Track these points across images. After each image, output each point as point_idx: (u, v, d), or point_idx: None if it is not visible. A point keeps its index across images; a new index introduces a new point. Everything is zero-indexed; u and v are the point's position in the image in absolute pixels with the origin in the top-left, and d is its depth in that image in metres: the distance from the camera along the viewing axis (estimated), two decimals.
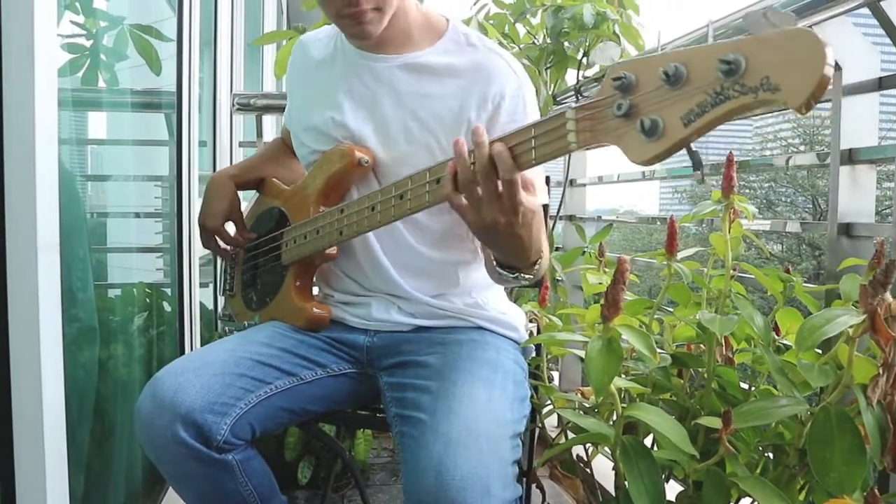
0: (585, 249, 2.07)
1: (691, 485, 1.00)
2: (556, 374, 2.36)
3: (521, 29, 2.28)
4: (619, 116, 0.67)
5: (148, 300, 1.68)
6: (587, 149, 1.43)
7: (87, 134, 1.45)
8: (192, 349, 1.79)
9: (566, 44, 2.12)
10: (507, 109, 1.05)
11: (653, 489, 0.88)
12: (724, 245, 1.09)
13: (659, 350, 1.03)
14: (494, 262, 0.96)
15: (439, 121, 1.06)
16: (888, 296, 0.84)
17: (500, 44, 1.32)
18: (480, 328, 1.12)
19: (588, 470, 1.18)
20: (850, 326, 0.87)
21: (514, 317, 1.16)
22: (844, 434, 0.84)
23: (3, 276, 0.87)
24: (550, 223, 1.67)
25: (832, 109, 1.21)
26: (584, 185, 2.40)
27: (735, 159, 1.10)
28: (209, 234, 1.27)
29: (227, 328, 2.18)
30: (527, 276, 0.95)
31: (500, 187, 0.81)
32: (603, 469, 1.16)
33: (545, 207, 1.16)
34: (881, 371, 0.86)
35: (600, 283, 1.43)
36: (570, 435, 1.21)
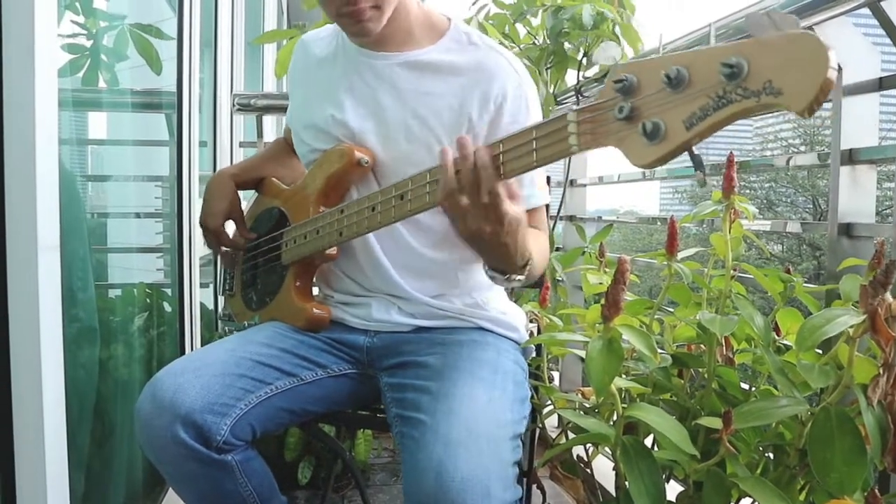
0: (586, 249, 2.07)
1: (692, 485, 1.00)
2: (556, 375, 2.36)
3: (521, 29, 2.27)
4: (620, 119, 0.67)
5: (148, 300, 1.68)
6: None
7: (87, 134, 1.45)
8: (192, 349, 1.79)
9: (566, 44, 2.11)
10: (510, 110, 1.05)
11: (653, 489, 0.88)
12: (725, 245, 1.09)
13: (659, 350, 1.03)
14: (484, 266, 0.96)
15: (440, 119, 1.06)
16: (888, 296, 0.84)
17: (501, 44, 1.31)
18: (481, 328, 1.12)
19: (588, 470, 1.18)
20: (851, 326, 0.87)
21: (514, 317, 1.16)
22: (845, 434, 0.84)
23: (3, 276, 0.87)
24: (551, 223, 1.66)
25: (832, 109, 1.21)
26: (585, 185, 2.40)
27: (735, 159, 1.10)
28: (211, 234, 1.27)
29: (227, 328, 2.18)
30: (517, 279, 0.95)
31: (485, 198, 0.81)
32: (603, 469, 1.16)
33: (546, 207, 1.16)
34: (881, 371, 0.86)
35: (601, 284, 1.43)
36: (571, 435, 1.21)
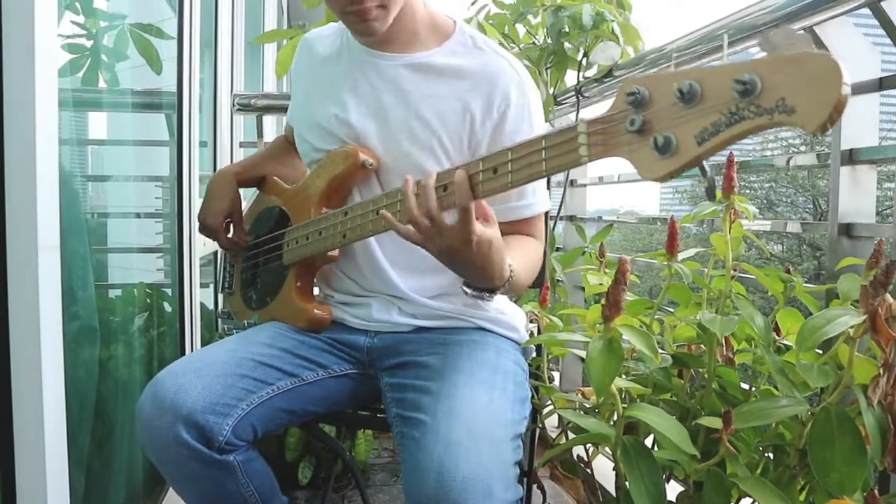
0: (586, 250, 2.08)
1: (692, 485, 1.00)
2: (556, 375, 2.36)
3: (521, 29, 2.27)
4: (631, 132, 0.67)
5: (148, 300, 1.68)
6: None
7: (87, 134, 1.45)
8: (192, 350, 1.79)
9: (566, 44, 2.11)
10: (513, 117, 1.05)
11: (653, 489, 0.88)
12: (725, 245, 1.09)
13: (659, 350, 1.03)
14: (462, 283, 0.96)
15: (442, 121, 1.06)
16: (889, 296, 0.84)
17: (501, 44, 1.31)
18: (481, 329, 1.12)
19: (589, 470, 1.18)
20: (851, 327, 0.87)
21: (514, 317, 1.16)
22: (845, 434, 0.84)
23: (3, 276, 0.87)
24: (551, 223, 1.66)
25: None
26: (585, 185, 2.40)
27: (735, 160, 1.10)
28: (209, 232, 1.27)
29: (227, 326, 2.18)
30: (488, 297, 0.96)
31: (445, 220, 0.83)
32: (603, 469, 1.16)
33: (546, 214, 1.17)
34: (882, 371, 0.86)
35: (601, 284, 1.43)
36: (571, 435, 1.21)
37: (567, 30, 2.05)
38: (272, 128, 3.32)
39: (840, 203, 1.20)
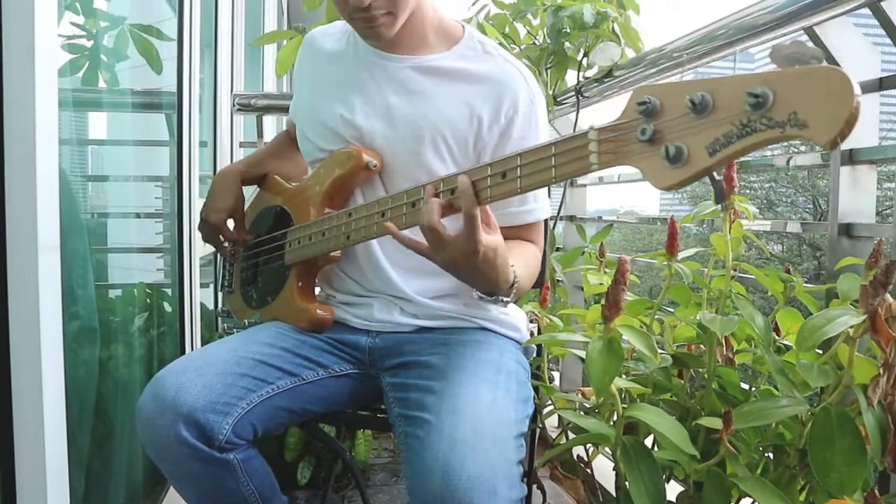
0: (586, 250, 2.08)
1: (692, 485, 1.00)
2: (556, 375, 2.36)
3: (521, 29, 2.27)
4: (643, 141, 0.67)
5: (148, 300, 1.68)
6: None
7: (87, 134, 1.45)
8: (192, 349, 1.79)
9: (566, 44, 2.11)
10: (520, 124, 1.05)
11: (653, 489, 0.88)
12: (725, 245, 1.09)
13: (659, 350, 1.03)
14: (474, 291, 0.97)
15: (450, 125, 1.06)
16: (888, 296, 0.84)
17: (501, 44, 1.31)
18: (483, 328, 1.12)
19: (589, 470, 1.18)
20: (851, 327, 0.87)
21: (515, 317, 1.16)
22: (845, 434, 0.84)
23: (3, 276, 0.87)
24: (551, 223, 1.66)
25: None
26: (585, 185, 2.40)
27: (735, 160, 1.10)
28: (211, 229, 1.26)
29: (227, 325, 2.18)
30: (503, 299, 0.97)
31: (449, 232, 0.84)
32: (603, 469, 1.16)
33: (545, 222, 1.17)
34: (881, 371, 0.86)
35: (601, 284, 1.43)
36: (571, 435, 1.21)
37: (567, 30, 2.05)
38: (272, 128, 3.31)
39: (840, 203, 1.20)
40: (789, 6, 1.24)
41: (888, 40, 1.16)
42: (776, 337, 1.10)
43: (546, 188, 1.21)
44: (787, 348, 1.09)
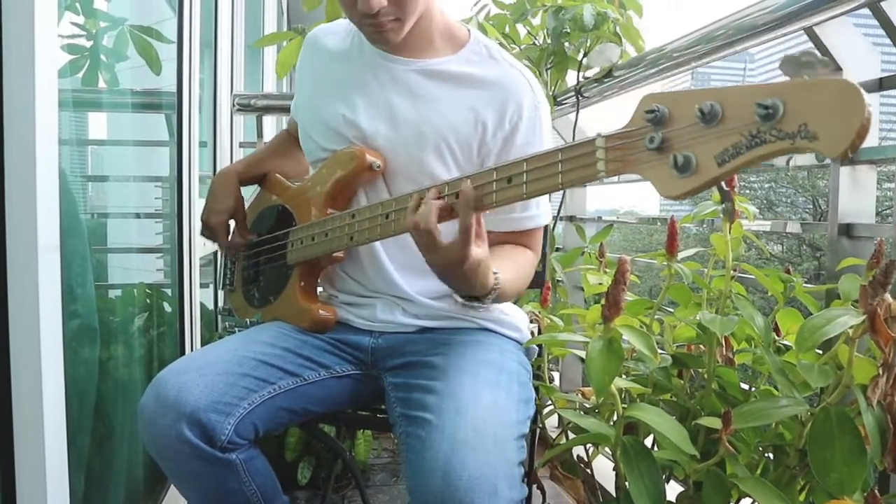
0: (586, 250, 2.08)
1: (692, 485, 1.00)
2: (556, 375, 2.36)
3: (521, 29, 2.27)
4: (651, 149, 0.67)
5: (148, 301, 1.68)
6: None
7: (87, 135, 1.45)
8: (192, 349, 1.79)
9: (567, 44, 2.11)
10: (524, 130, 1.06)
11: (653, 490, 0.88)
12: (725, 245, 1.09)
13: (659, 350, 1.03)
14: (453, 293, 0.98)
15: (453, 128, 1.05)
16: (888, 296, 0.84)
17: (501, 44, 1.32)
18: (484, 329, 1.12)
19: (588, 470, 1.18)
20: (850, 327, 0.87)
21: (516, 317, 1.16)
22: (845, 434, 0.84)
23: (3, 277, 0.87)
24: (551, 223, 1.66)
25: None
26: (585, 185, 2.40)
27: None
28: (211, 231, 1.26)
29: (227, 325, 2.18)
30: (480, 305, 0.98)
31: (443, 239, 0.85)
32: (603, 470, 1.16)
33: (545, 228, 1.17)
34: (881, 371, 0.86)
35: (601, 284, 1.43)
36: (571, 435, 1.21)
37: (567, 30, 2.05)
38: (272, 128, 3.32)
39: (840, 203, 1.20)
40: (789, 6, 1.23)
41: (888, 40, 1.16)
42: (776, 337, 1.10)
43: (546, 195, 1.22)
44: (787, 348, 1.09)
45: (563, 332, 1.21)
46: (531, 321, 1.30)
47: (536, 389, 1.18)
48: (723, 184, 0.66)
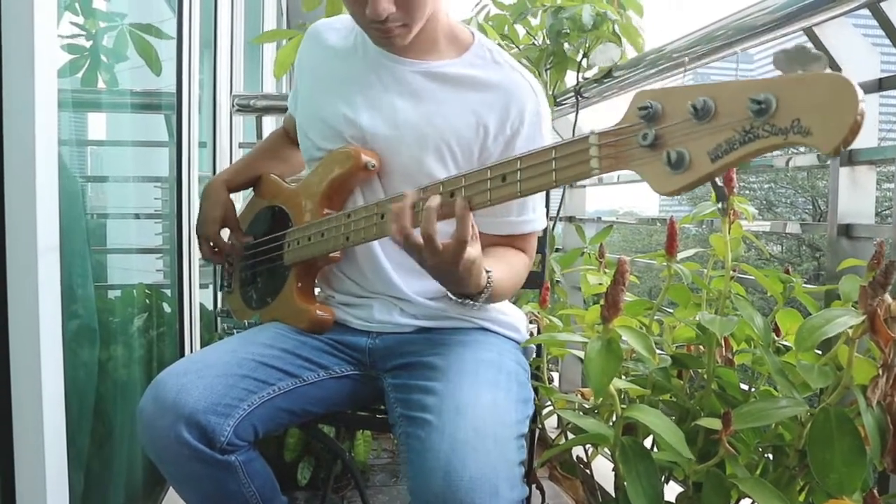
0: (585, 250, 2.08)
1: (691, 486, 1.00)
2: (556, 375, 2.36)
3: (520, 30, 2.27)
4: (644, 146, 0.67)
5: (148, 301, 1.68)
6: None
7: (87, 135, 1.45)
8: (191, 350, 1.79)
9: (566, 45, 2.11)
10: (526, 134, 1.06)
11: (651, 490, 0.88)
12: (724, 246, 1.09)
13: (659, 351, 1.03)
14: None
15: (454, 131, 1.05)
16: (888, 297, 0.84)
17: (500, 45, 1.32)
18: (483, 329, 1.12)
19: (588, 471, 1.18)
20: (850, 327, 0.87)
21: (514, 317, 1.16)
22: (844, 435, 0.84)
23: (3, 277, 0.87)
24: (550, 223, 1.66)
25: None
26: (584, 186, 2.40)
27: None
28: (204, 242, 1.27)
29: (226, 326, 2.18)
30: (472, 302, 0.98)
31: (439, 243, 0.84)
32: (602, 470, 1.16)
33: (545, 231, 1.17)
34: (881, 372, 0.86)
35: (600, 284, 1.43)
36: (570, 436, 1.21)
37: (567, 31, 2.05)
38: (272, 128, 3.31)
39: (839, 204, 1.20)
40: (789, 7, 1.24)
41: (887, 41, 1.16)
42: (775, 337, 1.10)
43: (545, 197, 1.22)
44: (787, 349, 1.09)
45: (562, 333, 1.21)
46: (530, 321, 1.30)
47: (536, 390, 1.18)
48: (718, 180, 0.66)
